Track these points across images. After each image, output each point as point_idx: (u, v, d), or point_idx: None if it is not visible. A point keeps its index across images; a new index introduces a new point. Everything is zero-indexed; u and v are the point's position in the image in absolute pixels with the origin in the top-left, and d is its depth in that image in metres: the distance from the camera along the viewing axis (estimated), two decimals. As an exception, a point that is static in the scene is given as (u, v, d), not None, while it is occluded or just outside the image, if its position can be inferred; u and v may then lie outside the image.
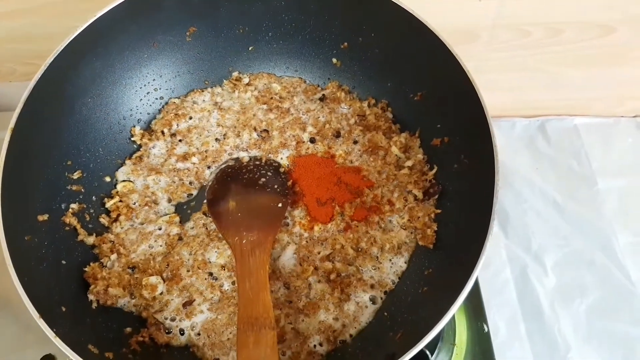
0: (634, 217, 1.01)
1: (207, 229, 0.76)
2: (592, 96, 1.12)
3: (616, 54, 1.02)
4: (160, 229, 0.76)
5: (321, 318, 0.68)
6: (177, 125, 0.84)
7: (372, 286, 0.71)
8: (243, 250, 0.68)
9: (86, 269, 0.70)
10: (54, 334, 0.55)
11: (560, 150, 1.09)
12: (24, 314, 0.71)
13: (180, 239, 0.75)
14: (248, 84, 0.88)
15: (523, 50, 1.01)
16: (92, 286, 0.68)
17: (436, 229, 0.73)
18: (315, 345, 0.67)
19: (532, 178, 1.06)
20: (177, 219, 0.77)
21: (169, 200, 0.79)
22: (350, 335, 0.68)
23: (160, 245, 0.75)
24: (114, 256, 0.72)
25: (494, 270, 0.95)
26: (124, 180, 0.79)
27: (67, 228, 0.71)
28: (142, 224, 0.76)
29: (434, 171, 0.77)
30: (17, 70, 1.05)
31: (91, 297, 0.68)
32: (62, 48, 0.70)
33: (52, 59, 0.70)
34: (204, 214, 0.78)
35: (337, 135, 0.84)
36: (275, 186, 0.78)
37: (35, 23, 0.96)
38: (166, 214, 0.78)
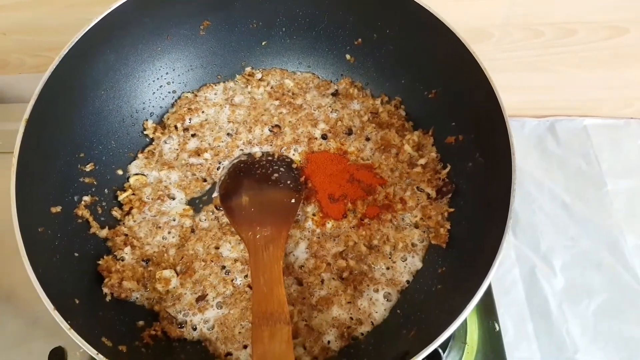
0: (642, 218, 1.01)
1: (219, 221, 0.76)
2: (602, 97, 1.11)
3: (627, 54, 1.02)
4: (174, 220, 0.76)
5: (334, 314, 0.68)
6: (190, 120, 0.84)
7: (385, 284, 0.71)
8: (257, 245, 0.68)
9: (100, 262, 0.70)
10: (69, 326, 0.55)
11: (570, 150, 1.09)
12: (30, 307, 0.71)
13: (192, 231, 0.75)
14: (261, 80, 0.88)
15: (534, 50, 1.01)
16: (107, 279, 0.68)
17: (449, 228, 0.73)
18: (329, 342, 0.67)
19: (541, 178, 1.06)
20: (191, 211, 0.77)
21: (182, 195, 0.78)
22: (363, 333, 0.68)
23: (174, 237, 0.74)
24: (127, 249, 0.72)
25: (502, 270, 0.95)
26: (136, 174, 0.79)
27: (80, 220, 0.71)
28: (154, 216, 0.76)
29: (447, 170, 0.76)
30: (26, 62, 1.04)
31: (106, 290, 0.67)
32: (76, 40, 0.70)
33: (66, 51, 0.69)
34: (216, 207, 0.78)
35: (349, 132, 0.83)
36: (288, 182, 0.78)
37: (45, 15, 0.96)
38: (179, 207, 0.77)
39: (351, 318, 0.69)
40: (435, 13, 0.72)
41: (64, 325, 0.55)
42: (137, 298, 0.70)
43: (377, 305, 0.70)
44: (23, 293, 0.85)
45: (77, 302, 0.62)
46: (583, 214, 1.01)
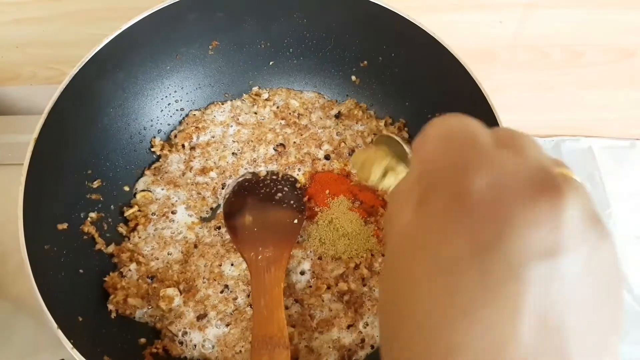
0: (646, 241, 1.00)
1: (222, 238, 0.77)
2: (609, 118, 1.11)
3: (635, 76, 1.02)
4: (179, 236, 0.77)
5: (335, 336, 0.69)
6: (197, 138, 0.85)
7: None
8: (259, 266, 0.69)
9: (106, 279, 0.71)
10: (72, 345, 0.56)
11: (574, 171, 1.08)
12: (39, 316, 0.72)
13: (195, 246, 0.76)
14: (267, 99, 0.89)
15: (541, 71, 1.02)
16: (112, 296, 0.69)
17: (450, 251, 0.73)
18: (328, 364, 0.68)
19: (545, 199, 1.05)
20: (196, 227, 0.78)
21: (188, 213, 0.79)
22: (363, 356, 0.68)
23: (178, 253, 0.75)
24: (133, 265, 0.73)
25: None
26: (143, 190, 0.80)
27: (86, 237, 0.72)
28: (160, 233, 0.77)
29: (449, 193, 0.76)
30: (37, 74, 1.06)
31: (111, 307, 0.68)
32: (87, 59, 0.71)
33: (77, 70, 0.70)
34: (219, 225, 0.78)
35: (352, 153, 0.84)
36: (292, 202, 0.78)
37: (59, 29, 0.97)
38: (184, 224, 0.78)
39: (352, 340, 0.69)
40: (439, 38, 0.74)
41: (67, 344, 0.56)
42: (141, 315, 0.71)
43: (377, 328, 0.70)
44: (31, 303, 0.86)
45: (80, 319, 0.63)
46: (587, 235, 1.01)
